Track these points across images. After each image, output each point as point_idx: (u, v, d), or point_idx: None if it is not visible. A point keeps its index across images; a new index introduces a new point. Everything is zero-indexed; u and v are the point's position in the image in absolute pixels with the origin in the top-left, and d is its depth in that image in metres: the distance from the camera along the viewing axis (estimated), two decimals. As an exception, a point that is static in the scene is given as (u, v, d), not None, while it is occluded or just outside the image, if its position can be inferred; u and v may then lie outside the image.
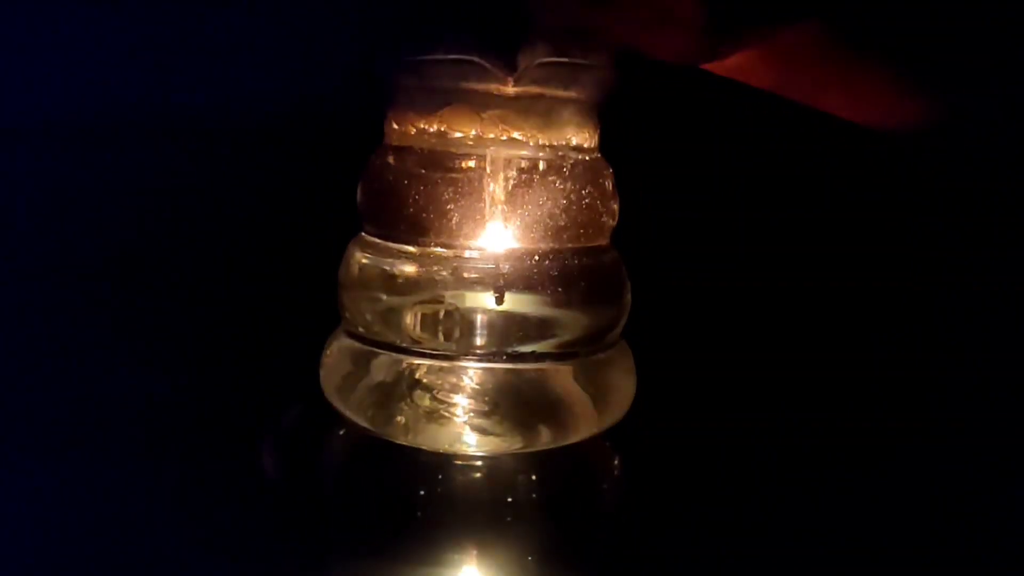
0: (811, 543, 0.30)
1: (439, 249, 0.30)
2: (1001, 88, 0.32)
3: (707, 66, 0.32)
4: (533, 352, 0.30)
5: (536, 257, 0.30)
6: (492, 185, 0.29)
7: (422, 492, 0.30)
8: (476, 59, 0.27)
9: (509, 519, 0.30)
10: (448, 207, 0.30)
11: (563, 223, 0.30)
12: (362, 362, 0.31)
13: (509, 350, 0.30)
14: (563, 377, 0.31)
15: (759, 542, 0.30)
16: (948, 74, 0.32)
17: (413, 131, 0.30)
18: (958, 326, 0.38)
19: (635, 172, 0.32)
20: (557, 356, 0.30)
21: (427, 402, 0.30)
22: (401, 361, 0.31)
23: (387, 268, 0.31)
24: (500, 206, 0.30)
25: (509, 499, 0.30)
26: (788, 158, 0.38)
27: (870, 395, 0.38)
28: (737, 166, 0.38)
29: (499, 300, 0.30)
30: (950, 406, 0.37)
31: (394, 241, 0.31)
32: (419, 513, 0.30)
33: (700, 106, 0.36)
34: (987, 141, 0.35)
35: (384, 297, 0.31)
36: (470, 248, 0.30)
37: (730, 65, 0.32)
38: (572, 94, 0.29)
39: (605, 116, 0.31)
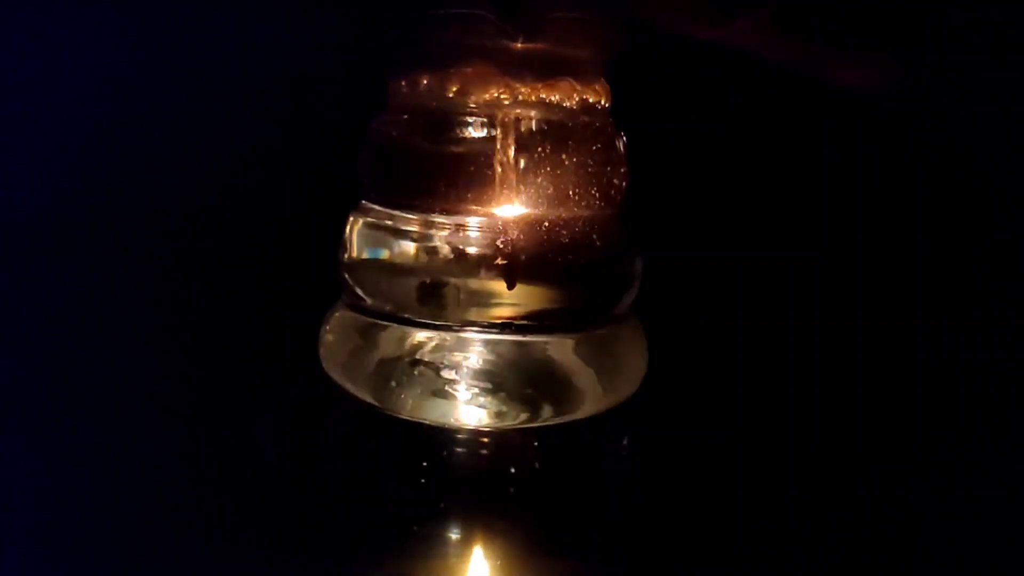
0: (818, 526, 0.30)
1: (444, 215, 0.29)
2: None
3: (719, 38, 0.32)
4: (538, 324, 0.29)
5: (545, 223, 0.29)
6: (500, 148, 0.29)
7: (424, 465, 0.29)
8: (485, 14, 0.27)
9: (512, 492, 0.29)
10: (453, 171, 0.29)
11: (573, 188, 0.29)
12: (364, 335, 0.31)
13: (514, 322, 0.29)
14: (568, 351, 0.30)
15: (767, 524, 0.29)
16: (956, 36, 0.32)
17: (416, 92, 0.29)
18: (965, 316, 0.38)
19: (645, 145, 0.31)
20: (563, 329, 0.30)
21: (431, 376, 0.29)
22: (404, 333, 0.30)
23: (390, 237, 0.30)
24: (508, 170, 0.29)
25: (512, 472, 0.30)
26: (798, 133, 0.38)
27: (882, 378, 0.37)
28: (745, 140, 0.38)
29: (510, 284, 0.29)
30: (959, 400, 0.36)
31: (397, 208, 0.30)
32: (422, 483, 0.29)
33: (711, 78, 0.36)
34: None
35: (386, 267, 0.30)
36: (476, 214, 0.29)
37: (742, 36, 0.32)
38: (584, 52, 0.29)
39: (616, 86, 0.31)
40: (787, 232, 0.39)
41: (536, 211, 0.29)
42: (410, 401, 0.29)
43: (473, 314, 0.29)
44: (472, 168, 0.29)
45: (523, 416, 0.29)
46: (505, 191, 0.29)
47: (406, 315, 0.30)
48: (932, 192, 0.38)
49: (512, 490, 0.29)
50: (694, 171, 0.38)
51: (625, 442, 0.33)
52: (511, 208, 0.29)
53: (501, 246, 0.29)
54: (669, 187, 0.37)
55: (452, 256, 0.29)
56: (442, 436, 0.30)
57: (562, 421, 0.30)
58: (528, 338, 0.29)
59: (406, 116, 0.30)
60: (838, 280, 0.39)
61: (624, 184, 0.31)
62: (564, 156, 0.29)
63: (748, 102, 0.37)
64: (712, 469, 0.32)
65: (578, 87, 0.29)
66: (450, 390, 0.29)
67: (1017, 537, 0.30)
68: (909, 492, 0.32)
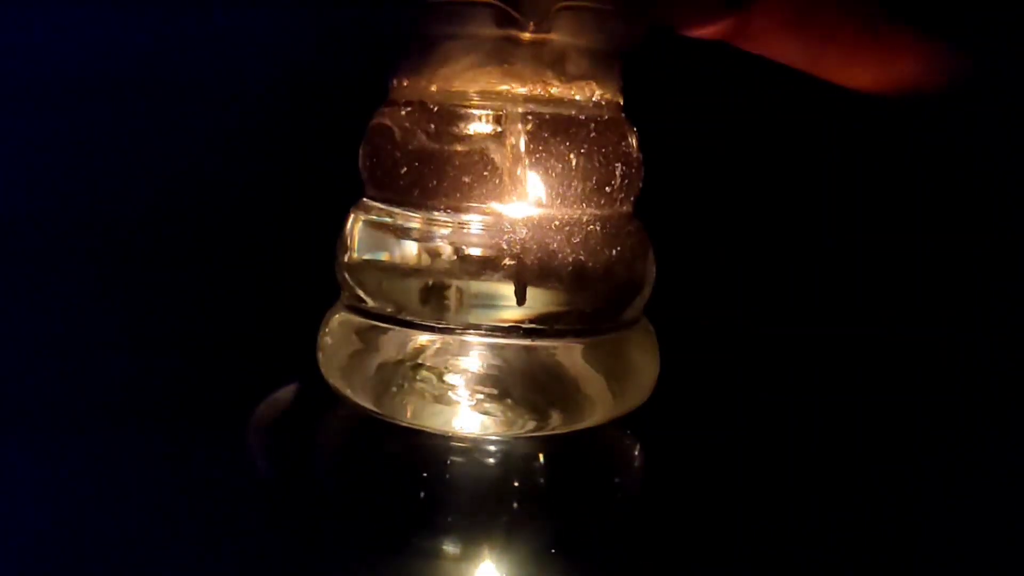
0: (834, 537, 0.29)
1: (447, 214, 0.28)
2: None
3: (737, 44, 0.31)
4: (546, 328, 0.28)
5: (555, 223, 0.28)
6: (506, 143, 0.27)
7: (425, 475, 0.28)
8: (492, 2, 0.26)
9: (516, 505, 0.28)
10: (457, 168, 0.27)
11: (583, 186, 0.28)
12: (364, 338, 0.29)
13: (521, 326, 0.28)
14: (577, 356, 0.29)
15: (781, 535, 0.29)
16: (979, 30, 0.31)
17: (419, 85, 0.28)
18: (965, 316, 0.38)
19: (658, 147, 0.31)
20: (572, 333, 0.29)
21: (433, 381, 0.28)
22: (405, 336, 0.29)
23: (391, 236, 0.29)
24: (515, 167, 0.28)
25: (516, 484, 0.29)
26: (813, 138, 0.37)
27: (882, 378, 0.37)
28: (760, 144, 0.37)
29: (520, 297, 0.28)
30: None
31: (398, 206, 0.29)
32: (422, 496, 0.28)
33: (713, 78, 0.35)
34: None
35: (387, 267, 0.29)
36: (481, 213, 0.28)
37: (759, 41, 0.31)
38: (595, 43, 0.27)
39: (630, 85, 0.30)
40: (787, 232, 0.39)
41: (544, 210, 0.28)
42: (411, 407, 0.28)
43: (477, 317, 0.28)
44: (477, 165, 0.27)
45: (530, 424, 0.28)
46: (512, 189, 0.28)
47: (408, 317, 0.28)
48: (932, 192, 0.38)
49: (516, 504, 0.28)
50: (691, 170, 0.38)
51: (636, 452, 0.32)
52: (518, 207, 0.28)
53: (507, 246, 0.28)
54: (665, 186, 0.36)
55: (455, 256, 0.28)
56: (444, 444, 0.29)
57: (571, 429, 0.29)
58: (535, 342, 0.28)
59: (408, 110, 0.28)
60: (838, 280, 0.39)
61: (638, 182, 0.30)
62: (574, 152, 0.28)
63: (749, 102, 0.37)
64: (714, 472, 0.32)
65: (590, 80, 0.28)
66: (453, 396, 0.28)
67: (1017, 537, 0.29)
68: (909, 492, 0.32)
